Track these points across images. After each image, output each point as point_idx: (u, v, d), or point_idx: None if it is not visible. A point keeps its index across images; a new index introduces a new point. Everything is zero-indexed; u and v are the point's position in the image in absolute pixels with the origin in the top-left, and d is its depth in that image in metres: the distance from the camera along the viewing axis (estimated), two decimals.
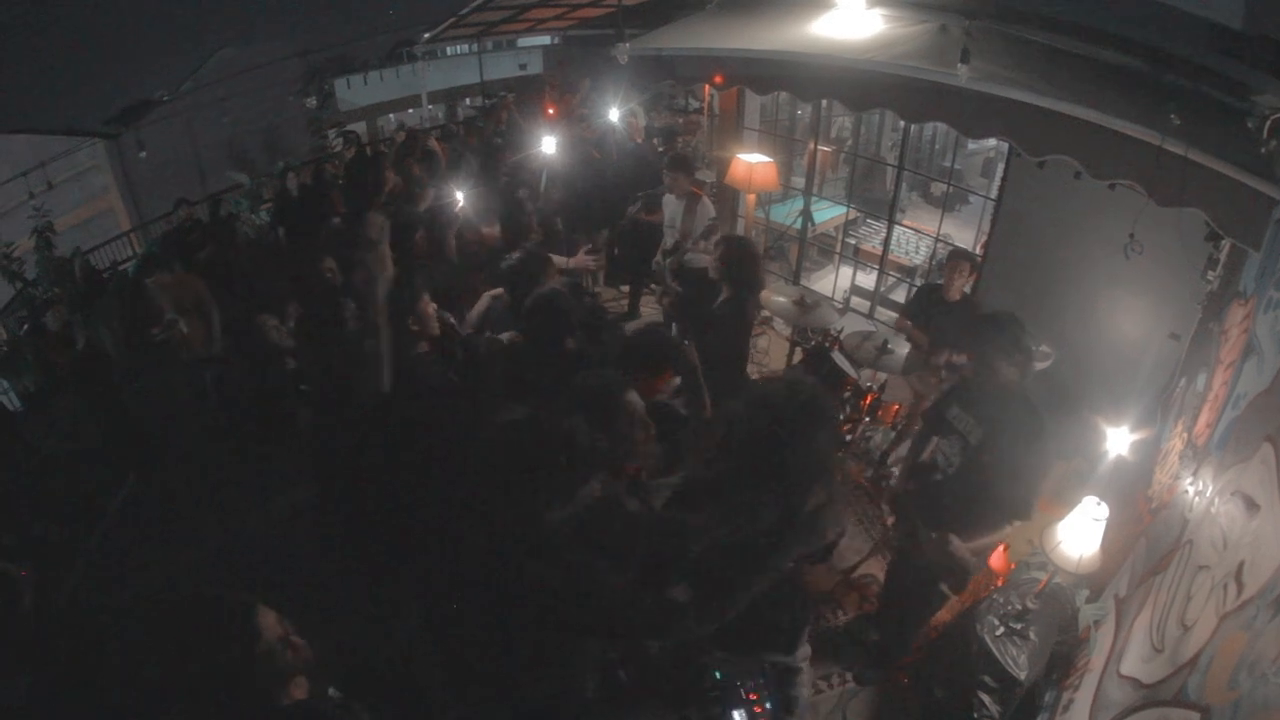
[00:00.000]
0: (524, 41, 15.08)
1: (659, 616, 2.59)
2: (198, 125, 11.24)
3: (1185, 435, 3.84)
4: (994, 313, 3.77)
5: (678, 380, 3.74)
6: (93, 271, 8.65)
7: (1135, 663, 3.09)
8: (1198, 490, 3.28)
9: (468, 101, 14.56)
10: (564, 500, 2.48)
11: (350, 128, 11.39)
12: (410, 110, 13.80)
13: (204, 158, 11.23)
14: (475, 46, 13.76)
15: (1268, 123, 3.27)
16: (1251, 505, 2.56)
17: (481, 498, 2.51)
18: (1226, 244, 4.12)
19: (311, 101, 11.70)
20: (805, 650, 3.48)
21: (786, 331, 7.39)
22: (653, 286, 8.05)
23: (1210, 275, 4.35)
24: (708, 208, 6.86)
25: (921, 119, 6.65)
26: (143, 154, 10.11)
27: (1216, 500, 2.96)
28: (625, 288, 8.56)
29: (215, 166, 10.91)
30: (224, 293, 7.10)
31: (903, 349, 5.91)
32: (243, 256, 7.65)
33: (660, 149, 9.49)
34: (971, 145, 11.34)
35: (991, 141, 10.71)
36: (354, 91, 13.39)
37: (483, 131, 10.16)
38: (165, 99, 10.22)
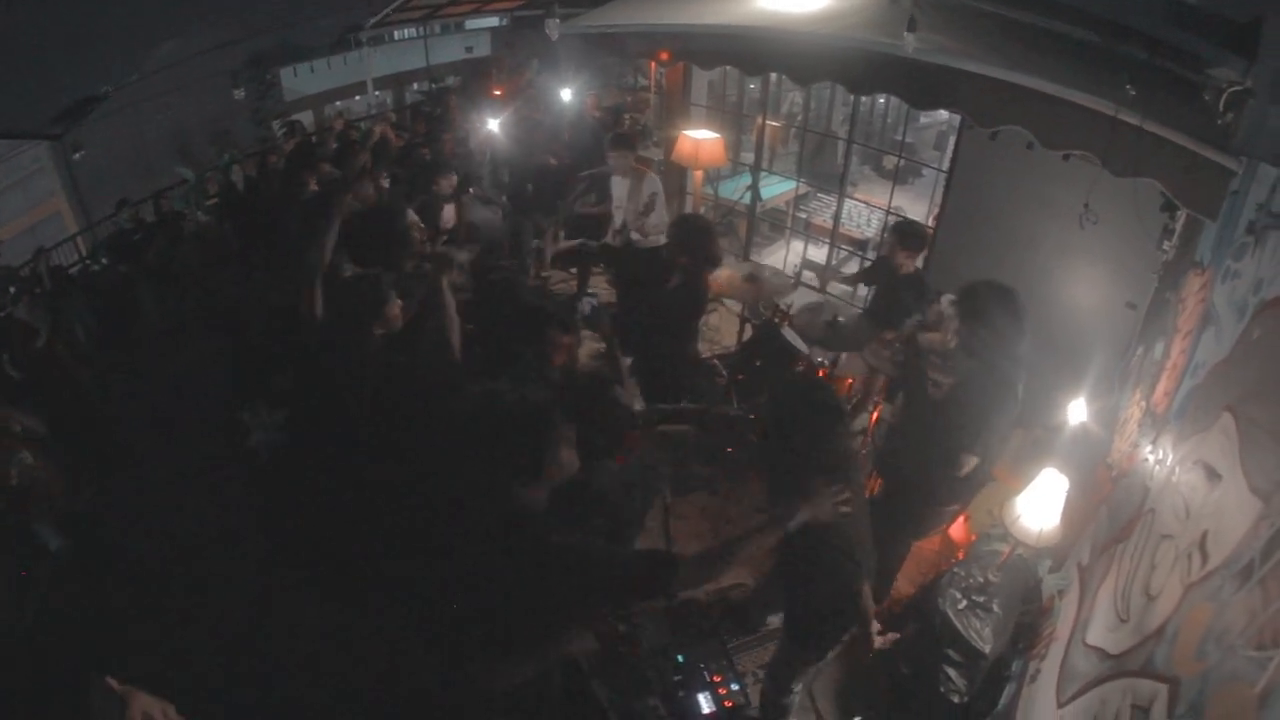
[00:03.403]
0: (471, 24, 14.82)
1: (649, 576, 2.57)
2: (143, 122, 10.90)
3: (1144, 403, 3.86)
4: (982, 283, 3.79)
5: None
6: (58, 270, 8.41)
7: (1101, 632, 3.11)
8: (1158, 459, 3.29)
9: (415, 86, 14.30)
10: (534, 475, 2.43)
11: (295, 117, 11.13)
12: (357, 98, 13.55)
13: (151, 155, 10.91)
14: (422, 30, 13.51)
15: (1224, 96, 3.27)
16: (1213, 475, 2.56)
17: (457, 475, 2.49)
18: (1182, 214, 4.13)
19: (240, 93, 11.40)
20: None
21: (737, 308, 7.33)
22: (599, 268, 7.98)
23: (1166, 245, 4.37)
24: (653, 182, 6.74)
25: (868, 91, 6.61)
26: (77, 154, 9.79)
27: (1177, 469, 2.96)
28: (574, 269, 8.47)
29: (162, 163, 10.61)
30: (172, 292, 7.01)
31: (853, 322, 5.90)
32: (189, 254, 7.51)
33: (606, 122, 9.40)
34: (924, 118, 11.36)
35: (944, 114, 10.73)
36: (300, 80, 13.09)
37: (432, 117, 9.99)
38: (109, 94, 9.90)
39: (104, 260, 8.43)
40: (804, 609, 3.18)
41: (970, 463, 3.75)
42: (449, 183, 6.44)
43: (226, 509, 4.66)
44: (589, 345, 5.22)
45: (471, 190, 6.59)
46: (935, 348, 5.31)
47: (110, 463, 4.88)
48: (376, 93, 13.43)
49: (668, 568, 2.48)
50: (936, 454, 3.82)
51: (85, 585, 4.12)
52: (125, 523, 4.65)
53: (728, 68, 8.31)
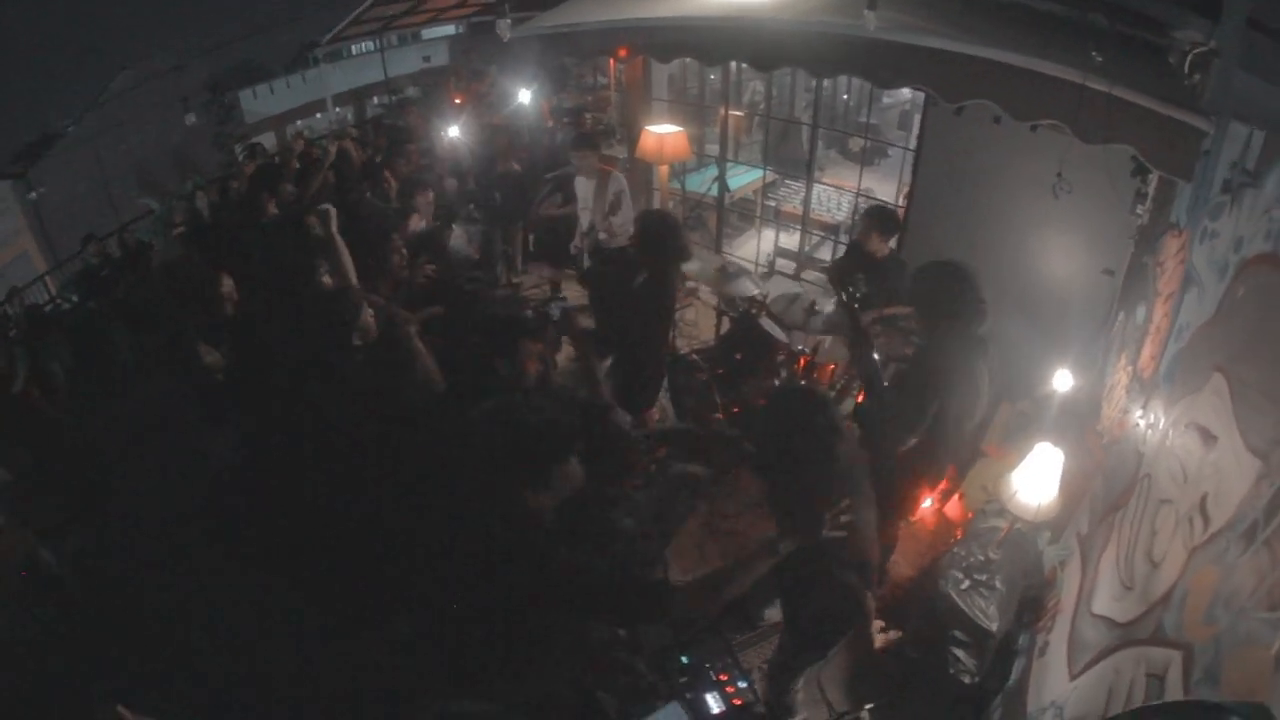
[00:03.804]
0: (428, 33, 14.69)
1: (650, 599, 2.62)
2: (105, 155, 10.75)
3: (1130, 369, 3.86)
4: (937, 263, 3.73)
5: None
6: (34, 309, 8.30)
7: (1106, 601, 3.09)
8: (1149, 423, 3.28)
9: (375, 100, 14.20)
10: (545, 484, 2.49)
11: (256, 139, 11.01)
12: (318, 115, 13.41)
13: (114, 187, 10.77)
14: (379, 43, 13.40)
15: (1189, 58, 3.26)
16: (1208, 437, 2.55)
17: (461, 491, 2.54)
18: (1154, 178, 4.13)
19: (191, 118, 11.28)
20: None
21: (713, 301, 7.30)
22: (570, 270, 7.95)
23: (1139, 209, 4.38)
24: (618, 181, 6.69)
25: (831, 73, 6.57)
26: (32, 194, 9.68)
27: (1171, 432, 2.95)
28: (545, 274, 8.42)
29: (127, 195, 10.49)
30: (142, 327, 6.92)
31: (830, 307, 5.87)
32: (158, 286, 7.41)
33: (567, 124, 9.35)
34: (887, 99, 11.35)
35: (907, 94, 10.75)
36: (260, 101, 12.93)
37: (393, 130, 9.91)
38: (69, 128, 9.77)
39: (73, 298, 8.32)
40: (806, 614, 3.15)
41: (908, 441, 3.70)
42: (425, 199, 6.37)
43: (218, 525, 4.61)
44: (567, 350, 5.18)
45: (454, 226, 6.52)
46: (901, 321, 5.31)
47: (93, 506, 4.81)
48: (337, 109, 13.31)
49: (659, 602, 2.50)
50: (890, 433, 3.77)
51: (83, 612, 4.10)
52: (118, 554, 4.61)
53: (687, 60, 8.26)
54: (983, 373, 3.65)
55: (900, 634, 3.35)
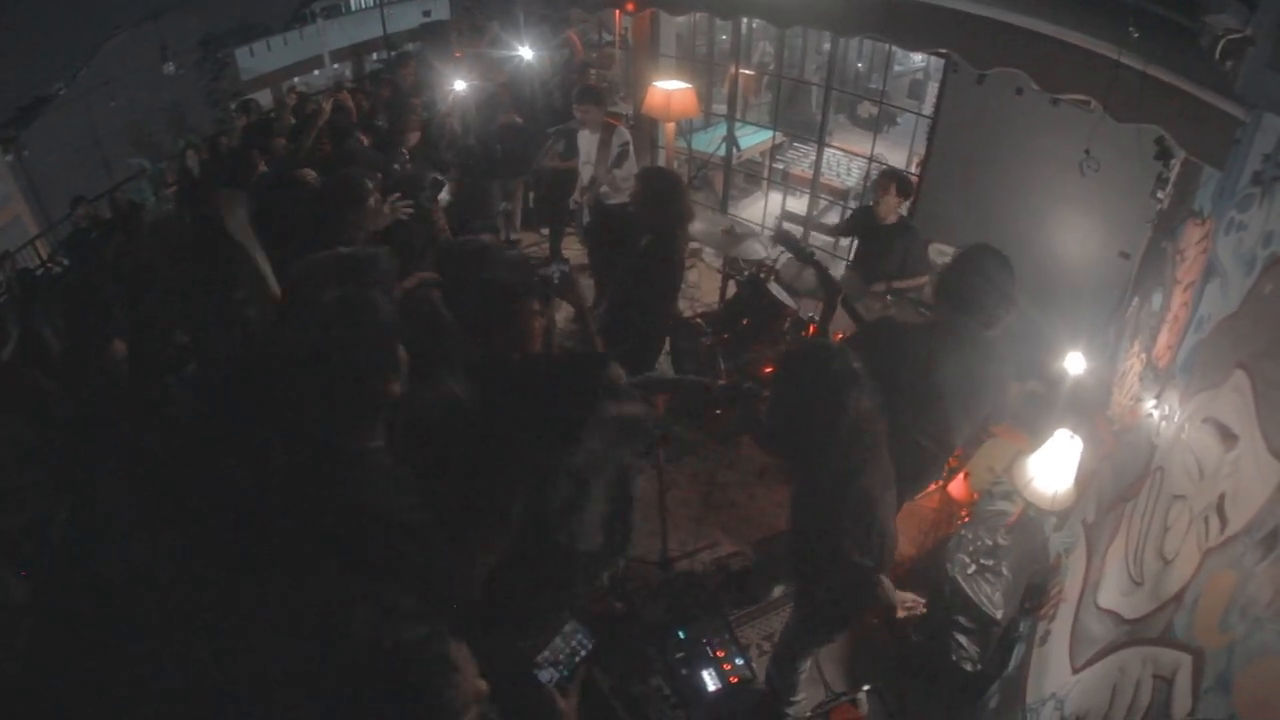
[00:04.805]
0: None
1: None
2: (97, 116, 10.63)
3: (1144, 356, 3.78)
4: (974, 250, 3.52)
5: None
6: (25, 273, 8.19)
7: (1114, 595, 3.04)
8: (1164, 414, 3.21)
9: (374, 56, 13.98)
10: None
11: (251, 96, 10.84)
12: (315, 72, 13.23)
13: (107, 148, 10.66)
14: None
15: (1220, 44, 3.13)
16: (1227, 435, 2.48)
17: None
18: (1177, 163, 4.03)
19: (169, 67, 11.12)
20: None
21: (717, 263, 7.18)
22: (571, 228, 7.84)
23: (1160, 194, 4.29)
24: (623, 134, 6.56)
25: (854, 33, 6.42)
26: (9, 156, 9.56)
27: (1187, 426, 2.88)
28: (545, 230, 8.30)
29: (120, 156, 10.39)
30: (133, 291, 6.82)
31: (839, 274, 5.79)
32: (150, 248, 7.30)
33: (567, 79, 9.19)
34: (898, 67, 11.23)
35: (918, 61, 10.59)
36: (257, 59, 12.78)
37: (394, 83, 9.75)
38: (61, 91, 9.64)
39: (65, 262, 8.25)
40: (818, 600, 3.10)
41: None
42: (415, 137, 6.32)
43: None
44: (565, 310, 5.09)
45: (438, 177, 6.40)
46: (911, 294, 5.22)
47: (83, 483, 4.74)
48: (335, 65, 13.13)
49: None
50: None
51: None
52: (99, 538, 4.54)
53: (696, 16, 8.06)
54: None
55: (923, 607, 3.28)
